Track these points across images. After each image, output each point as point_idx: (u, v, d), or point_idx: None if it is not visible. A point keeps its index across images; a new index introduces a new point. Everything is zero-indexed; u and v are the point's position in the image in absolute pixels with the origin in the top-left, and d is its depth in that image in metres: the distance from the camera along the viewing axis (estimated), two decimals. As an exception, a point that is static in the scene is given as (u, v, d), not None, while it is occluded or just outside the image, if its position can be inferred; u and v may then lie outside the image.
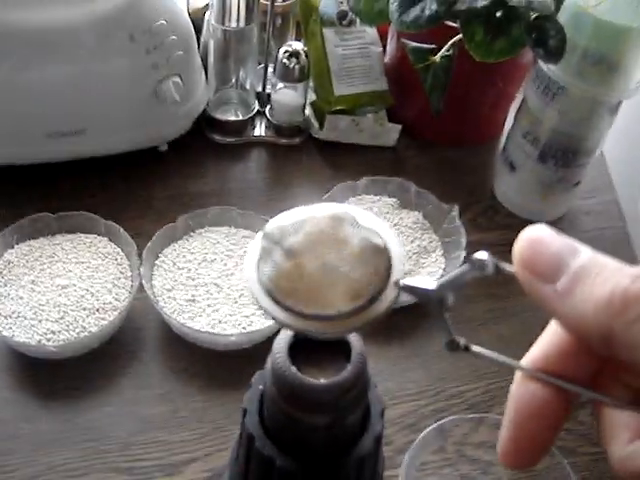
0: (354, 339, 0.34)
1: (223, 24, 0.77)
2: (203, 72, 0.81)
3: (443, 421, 0.60)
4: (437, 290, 0.29)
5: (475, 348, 0.29)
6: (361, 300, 0.28)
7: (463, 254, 0.71)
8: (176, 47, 0.73)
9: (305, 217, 0.29)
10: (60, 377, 0.63)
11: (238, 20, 0.77)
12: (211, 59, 0.81)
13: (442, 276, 0.29)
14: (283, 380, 0.33)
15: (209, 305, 0.66)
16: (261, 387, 0.38)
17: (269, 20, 0.80)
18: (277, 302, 0.28)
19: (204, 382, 0.65)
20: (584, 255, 0.25)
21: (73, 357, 0.63)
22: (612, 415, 0.27)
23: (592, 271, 0.25)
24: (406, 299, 0.29)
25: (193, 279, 0.68)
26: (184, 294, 0.66)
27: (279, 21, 0.85)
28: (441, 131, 0.86)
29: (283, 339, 0.34)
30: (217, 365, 0.66)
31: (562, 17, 0.69)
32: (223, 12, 0.76)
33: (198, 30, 0.80)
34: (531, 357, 0.29)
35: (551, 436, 0.28)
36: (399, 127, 0.85)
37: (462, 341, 0.29)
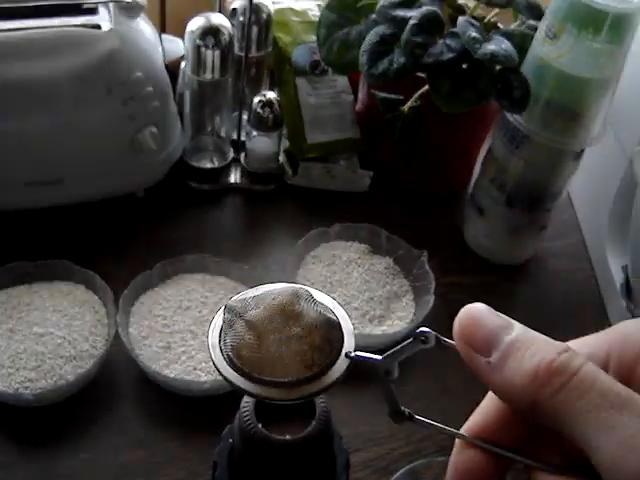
0: (318, 399, 0.36)
1: (198, 75, 0.79)
2: (179, 121, 0.83)
3: (414, 464, 0.61)
4: (384, 362, 0.31)
5: (418, 418, 0.32)
6: (315, 369, 0.30)
7: (432, 298, 0.73)
8: (152, 98, 0.75)
9: (265, 292, 0.31)
10: (37, 424, 0.64)
11: (213, 71, 0.79)
12: (187, 108, 0.83)
13: (392, 351, 0.32)
14: (250, 437, 0.35)
15: (184, 352, 0.67)
16: (231, 441, 0.39)
17: (243, 70, 0.83)
18: (238, 370, 0.30)
19: (180, 428, 0.66)
20: (516, 331, 0.28)
21: (49, 405, 0.64)
22: (545, 478, 0.29)
23: (522, 346, 0.27)
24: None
25: (168, 326, 0.69)
26: (159, 341, 0.68)
27: (253, 71, 0.87)
28: (411, 178, 0.89)
29: (249, 399, 0.36)
30: (192, 411, 0.67)
31: (525, 69, 0.72)
32: (198, 64, 0.78)
33: (174, 80, 0.82)
34: (470, 425, 0.31)
35: None
36: (370, 173, 0.88)
37: (407, 411, 0.32)
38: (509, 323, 0.28)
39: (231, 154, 0.88)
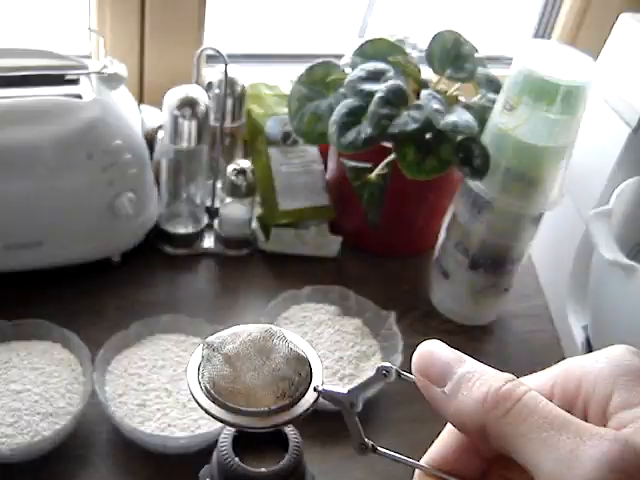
0: (290, 432, 0.38)
1: (175, 144, 0.83)
2: (155, 188, 0.86)
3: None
4: (348, 395, 0.34)
5: (381, 450, 0.34)
6: (286, 400, 0.33)
7: (400, 358, 0.75)
8: (131, 165, 0.78)
9: (241, 330, 0.34)
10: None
11: (189, 141, 0.83)
12: (163, 176, 0.86)
13: (357, 386, 0.35)
14: (228, 470, 0.37)
15: (159, 409, 0.69)
16: (208, 479, 0.41)
17: (218, 140, 0.86)
18: (215, 401, 0.33)
19: (154, 485, 0.67)
20: (468, 364, 0.31)
21: (26, 461, 0.65)
22: None
23: (472, 377, 0.30)
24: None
25: (144, 384, 0.70)
26: (135, 399, 0.69)
27: (228, 140, 0.91)
28: (379, 242, 0.92)
29: (227, 434, 0.38)
30: (167, 468, 0.68)
31: (486, 138, 0.77)
32: (175, 133, 0.82)
33: (151, 148, 0.85)
34: (429, 456, 0.34)
35: None
36: (340, 239, 0.91)
37: (370, 443, 0.35)
38: (462, 357, 0.31)
39: (205, 220, 0.91)
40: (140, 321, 0.74)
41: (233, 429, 0.37)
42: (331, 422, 0.72)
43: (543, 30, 1.11)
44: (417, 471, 0.34)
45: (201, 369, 0.34)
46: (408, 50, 0.87)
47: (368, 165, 0.81)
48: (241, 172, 0.85)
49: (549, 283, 0.93)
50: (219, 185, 0.90)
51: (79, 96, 0.77)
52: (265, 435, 0.38)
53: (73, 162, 0.75)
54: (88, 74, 0.78)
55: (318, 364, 0.35)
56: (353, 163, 0.81)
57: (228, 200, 0.88)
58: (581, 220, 0.84)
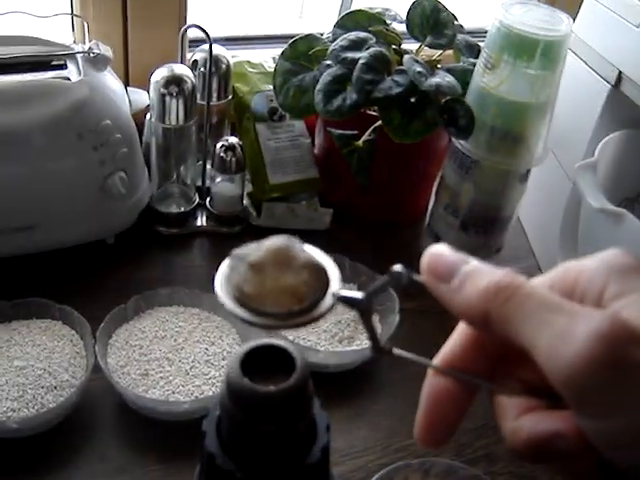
0: (297, 356, 0.39)
1: (163, 122, 0.84)
2: (146, 169, 0.87)
3: (387, 469, 0.64)
4: (364, 299, 0.36)
5: (396, 350, 0.36)
6: (306, 303, 0.36)
7: (397, 318, 0.76)
8: (121, 145, 0.79)
9: (265, 241, 0.37)
10: (19, 455, 0.65)
11: (177, 118, 0.83)
12: (153, 157, 0.87)
13: (371, 289, 0.37)
14: (238, 390, 0.38)
15: (162, 377, 0.69)
16: (217, 413, 0.42)
17: (206, 118, 0.87)
18: (243, 306, 0.36)
19: (160, 453, 0.67)
20: (472, 262, 0.33)
21: (32, 435, 0.65)
22: (504, 400, 0.34)
23: (477, 272, 0.33)
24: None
25: (145, 355, 0.71)
26: (137, 369, 0.70)
27: (215, 119, 0.92)
28: (370, 211, 0.93)
29: (236, 358, 0.39)
30: (172, 436, 0.68)
31: (469, 98, 0.78)
32: (163, 111, 0.83)
33: (140, 131, 0.86)
34: (441, 355, 0.36)
35: (456, 420, 0.35)
36: (331, 211, 0.92)
37: (386, 345, 0.37)
38: (467, 258, 0.34)
39: (196, 199, 0.92)
40: (139, 295, 0.75)
41: (242, 352, 0.39)
42: (333, 384, 0.73)
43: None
44: (429, 370, 0.36)
45: (228, 278, 0.36)
46: (388, 21, 0.88)
47: (355, 132, 0.82)
48: (230, 148, 0.86)
49: (539, 243, 0.94)
50: (209, 165, 0.90)
51: (67, 79, 0.77)
52: (272, 358, 0.39)
53: (63, 143, 0.76)
54: (74, 54, 0.79)
55: (335, 273, 0.37)
56: (340, 131, 0.82)
57: (218, 178, 0.89)
58: (567, 178, 0.85)
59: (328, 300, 0.36)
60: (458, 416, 0.35)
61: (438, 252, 0.34)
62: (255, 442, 0.39)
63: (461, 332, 0.36)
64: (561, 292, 0.32)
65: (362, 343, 0.76)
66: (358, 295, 0.36)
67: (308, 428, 0.41)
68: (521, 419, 0.32)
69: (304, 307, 0.35)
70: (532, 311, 0.30)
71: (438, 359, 0.36)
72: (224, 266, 0.37)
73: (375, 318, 0.79)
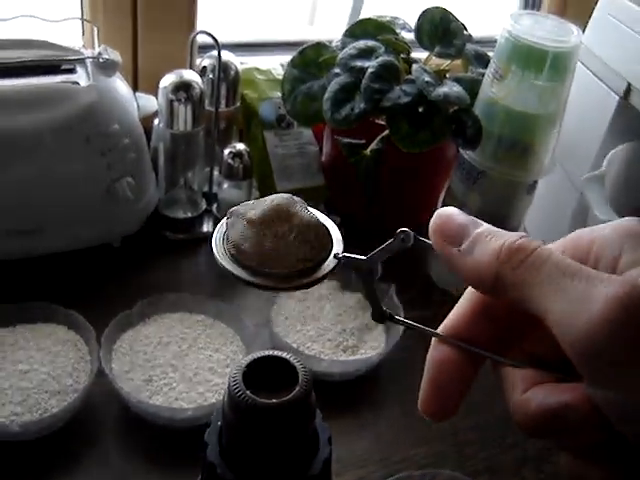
0: (300, 368, 0.39)
1: (171, 128, 0.84)
2: (154, 174, 0.87)
3: (392, 478, 0.64)
4: (367, 260, 0.35)
5: (398, 317, 0.36)
6: (309, 264, 0.34)
7: (402, 327, 0.76)
8: (129, 149, 0.79)
9: (265, 198, 0.35)
10: (22, 458, 0.65)
11: (185, 124, 0.84)
12: (161, 162, 0.88)
13: (375, 251, 0.36)
14: (239, 403, 0.38)
15: (165, 384, 0.69)
16: (219, 423, 0.42)
17: (214, 125, 0.87)
18: (238, 263, 0.34)
19: (162, 459, 0.67)
20: (484, 226, 0.32)
21: (35, 439, 0.66)
22: (510, 372, 0.33)
23: (488, 234, 0.32)
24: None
25: (149, 361, 0.71)
26: (141, 375, 0.70)
27: (223, 125, 0.92)
28: (376, 220, 0.93)
29: (238, 369, 0.39)
30: (174, 442, 0.68)
31: (477, 108, 0.78)
32: (171, 117, 0.83)
33: (148, 136, 0.86)
34: (445, 325, 0.35)
35: (461, 390, 0.34)
36: (337, 219, 0.91)
37: (388, 311, 0.36)
38: (477, 221, 0.33)
39: (203, 205, 0.92)
40: (144, 300, 0.75)
41: (244, 364, 0.38)
42: (336, 393, 0.73)
43: (530, 7, 1.13)
44: (433, 339, 0.35)
45: (225, 235, 0.35)
46: (397, 30, 0.88)
47: (362, 141, 0.82)
48: (237, 155, 0.87)
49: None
50: (216, 171, 0.90)
51: (76, 83, 0.78)
52: (275, 369, 0.39)
53: (71, 147, 0.76)
54: (83, 59, 0.79)
55: (338, 234, 0.36)
56: (347, 140, 0.82)
57: (225, 184, 0.89)
58: (574, 189, 0.85)
59: (330, 262, 0.35)
60: (463, 386, 0.34)
61: (447, 213, 0.33)
62: (256, 454, 0.39)
63: (468, 298, 0.35)
64: (574, 258, 0.31)
65: (366, 352, 0.76)
66: (361, 257, 0.35)
67: (310, 440, 0.41)
68: (529, 392, 0.31)
69: (305, 268, 0.34)
70: (548, 275, 0.29)
71: (442, 327, 0.35)
72: (222, 223, 0.35)
73: (380, 328, 0.79)
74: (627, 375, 0.27)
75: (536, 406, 0.30)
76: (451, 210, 0.33)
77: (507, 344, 0.34)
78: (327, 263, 0.35)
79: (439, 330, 0.35)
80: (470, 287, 0.34)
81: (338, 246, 0.35)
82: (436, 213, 0.33)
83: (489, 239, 0.31)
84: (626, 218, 0.31)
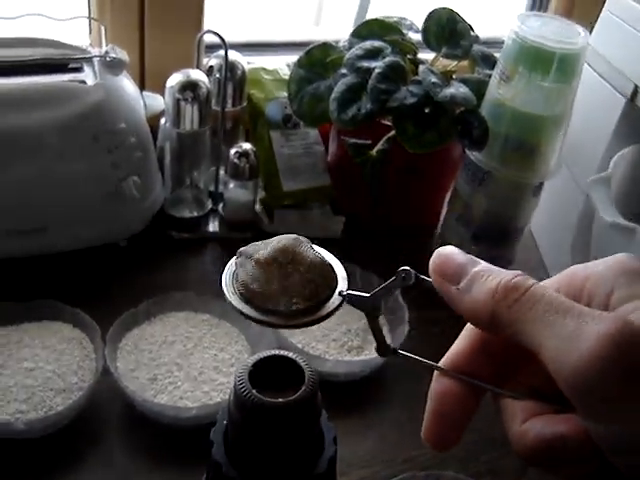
0: (306, 368, 0.39)
1: (178, 127, 0.84)
2: (160, 173, 0.87)
3: (396, 478, 0.64)
4: (371, 297, 0.37)
5: (402, 352, 0.37)
6: (313, 302, 0.36)
7: (407, 328, 0.76)
8: (136, 148, 0.79)
9: (272, 239, 0.37)
10: (26, 456, 0.65)
11: (192, 124, 0.84)
12: (167, 161, 0.88)
13: (378, 289, 0.37)
14: (245, 402, 0.38)
15: (170, 383, 0.69)
16: (225, 422, 0.42)
17: (220, 124, 0.88)
18: (250, 304, 0.36)
19: (167, 458, 0.67)
20: (481, 264, 0.34)
21: (40, 437, 0.66)
22: (510, 404, 0.34)
23: (485, 273, 0.33)
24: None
25: (154, 360, 0.71)
26: (146, 373, 0.70)
27: (229, 125, 0.92)
28: (382, 220, 0.93)
29: (244, 368, 0.39)
30: (179, 441, 0.68)
31: (484, 110, 0.78)
32: (178, 116, 0.83)
33: (154, 136, 0.87)
34: (447, 357, 0.36)
35: (463, 421, 0.35)
36: (343, 219, 0.92)
37: (392, 346, 0.37)
38: (476, 260, 0.34)
39: (209, 205, 0.92)
40: (149, 299, 0.75)
41: (250, 363, 0.38)
42: (341, 394, 0.73)
43: (537, 8, 1.12)
44: (435, 372, 0.36)
45: (234, 275, 0.36)
46: (404, 31, 0.88)
47: (368, 142, 0.82)
48: (243, 154, 0.87)
49: (551, 256, 0.94)
50: (222, 171, 0.91)
51: (83, 82, 0.78)
52: (281, 369, 0.39)
53: (78, 146, 0.76)
54: (91, 58, 0.79)
55: (342, 272, 0.38)
56: (354, 140, 0.83)
57: (231, 183, 0.89)
58: (580, 191, 0.85)
59: (335, 299, 0.36)
60: (465, 418, 0.35)
61: (446, 252, 0.35)
62: (262, 453, 0.39)
63: (467, 334, 0.36)
64: (568, 295, 0.32)
65: (371, 353, 0.76)
66: (365, 294, 0.37)
67: (315, 440, 0.41)
68: (527, 423, 0.32)
69: (311, 306, 0.35)
70: (541, 312, 0.30)
71: (444, 361, 0.36)
72: (231, 263, 0.37)
73: (385, 328, 0.79)
74: (619, 410, 0.28)
75: (534, 437, 0.31)
76: (450, 249, 0.35)
77: (506, 377, 0.35)
78: (332, 301, 0.36)
79: (441, 363, 0.36)
80: (469, 324, 0.35)
81: (343, 284, 0.37)
82: (436, 252, 0.35)
83: (485, 278, 0.32)
84: (620, 254, 0.32)
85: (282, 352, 0.40)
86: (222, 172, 0.91)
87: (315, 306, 0.36)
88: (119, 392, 0.69)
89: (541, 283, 0.33)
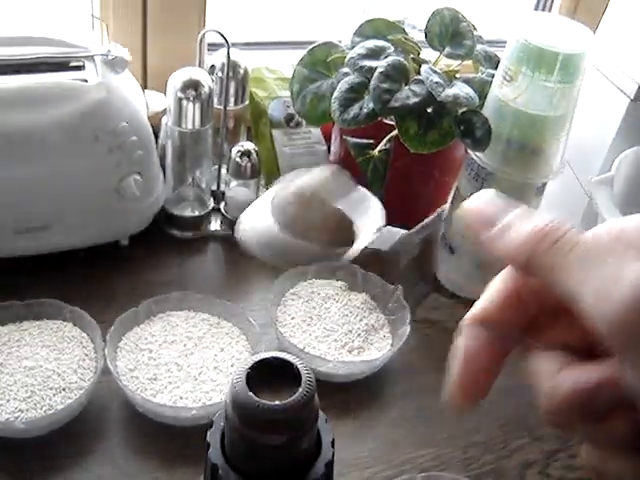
0: (303, 369, 0.39)
1: (180, 126, 0.84)
2: (161, 171, 0.87)
3: (399, 479, 0.64)
4: (407, 235, 0.34)
5: None
6: (348, 236, 0.34)
7: (408, 328, 0.76)
8: (137, 147, 0.79)
9: (314, 169, 0.35)
10: (26, 456, 0.65)
11: (193, 122, 0.84)
12: (169, 159, 0.87)
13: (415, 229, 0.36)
14: (242, 404, 0.38)
15: (170, 382, 0.69)
16: (222, 424, 0.42)
17: (222, 123, 0.87)
18: (286, 229, 0.34)
19: (166, 458, 0.67)
20: (517, 210, 0.33)
21: (39, 436, 0.66)
22: (541, 358, 0.33)
23: (522, 217, 0.32)
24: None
25: (155, 359, 0.71)
26: (146, 373, 0.70)
27: (231, 124, 0.92)
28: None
29: (242, 370, 0.39)
30: (178, 441, 0.68)
31: (486, 110, 0.77)
32: (179, 115, 0.83)
33: (156, 134, 0.86)
34: (478, 306, 0.35)
35: (491, 377, 0.34)
36: (345, 218, 0.92)
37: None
38: (512, 204, 0.33)
39: (211, 203, 0.92)
40: (150, 299, 0.75)
41: (248, 365, 0.38)
42: (341, 394, 0.73)
43: (542, 8, 1.12)
44: (463, 324, 0.35)
45: (273, 203, 0.35)
46: (407, 30, 0.88)
47: (370, 141, 0.82)
48: (245, 154, 0.86)
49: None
50: (224, 169, 0.90)
51: (85, 80, 0.78)
52: (279, 371, 0.39)
53: (79, 144, 0.76)
54: (92, 57, 0.79)
55: (380, 209, 0.36)
56: (356, 140, 0.82)
57: (233, 182, 0.89)
58: (583, 192, 0.85)
59: (368, 237, 0.35)
60: (493, 372, 0.34)
61: (483, 196, 0.34)
62: (259, 455, 0.39)
63: (499, 284, 0.35)
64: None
65: (372, 353, 0.76)
66: (401, 231, 0.36)
67: (313, 442, 0.41)
68: (560, 374, 0.31)
69: (347, 238, 0.35)
70: (579, 257, 0.29)
71: (474, 309, 0.35)
72: (270, 191, 0.36)
73: (386, 329, 0.79)
74: None
75: (569, 386, 0.30)
76: (488, 192, 0.34)
77: (535, 330, 0.34)
78: (367, 235, 0.35)
79: (470, 314, 0.35)
80: (502, 273, 0.35)
81: (379, 220, 0.36)
82: (473, 196, 0.34)
83: (522, 222, 0.32)
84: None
85: (279, 354, 0.40)
86: (224, 171, 0.91)
87: (351, 239, 0.35)
88: (119, 392, 0.69)
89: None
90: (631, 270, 0.28)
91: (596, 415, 0.30)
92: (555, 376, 0.31)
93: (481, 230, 0.33)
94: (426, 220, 0.36)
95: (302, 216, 0.34)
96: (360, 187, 0.37)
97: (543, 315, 0.34)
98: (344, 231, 0.35)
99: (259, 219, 0.36)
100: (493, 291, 0.35)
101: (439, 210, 0.35)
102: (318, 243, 0.34)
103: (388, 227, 0.36)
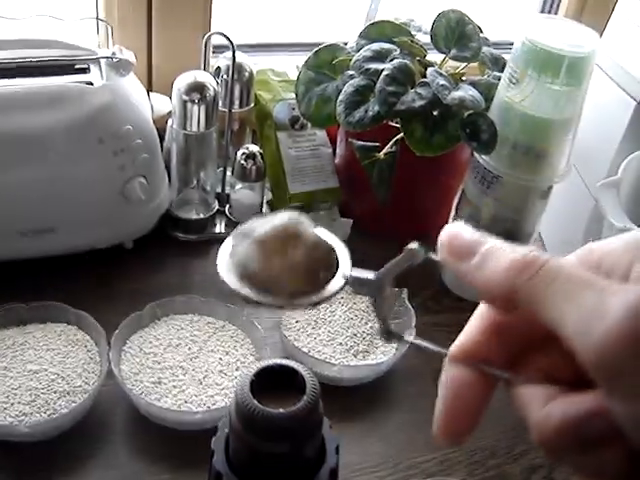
0: (307, 377, 0.39)
1: (185, 129, 0.84)
2: (166, 174, 0.86)
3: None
4: (376, 279, 0.35)
5: (408, 337, 0.35)
6: (315, 283, 0.34)
7: (414, 332, 0.75)
8: (142, 150, 0.79)
9: (271, 218, 0.35)
10: (30, 459, 0.65)
11: (198, 125, 0.83)
12: (174, 162, 0.87)
13: (384, 269, 0.35)
14: (247, 412, 0.38)
15: (175, 386, 0.69)
16: (226, 431, 0.42)
17: (227, 126, 0.87)
18: (246, 284, 0.34)
19: (170, 462, 0.67)
20: (493, 241, 0.32)
21: (43, 440, 0.65)
22: (527, 391, 0.32)
23: (498, 249, 0.32)
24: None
25: (159, 363, 0.71)
26: (150, 377, 0.70)
27: (236, 126, 0.92)
28: (390, 223, 0.92)
29: (245, 379, 0.38)
30: (182, 446, 0.68)
31: (492, 113, 0.77)
32: (184, 118, 0.83)
33: (161, 137, 0.86)
34: (458, 343, 0.34)
35: (477, 413, 0.33)
36: (350, 221, 0.91)
37: (396, 331, 0.35)
38: (486, 237, 0.33)
39: (216, 206, 0.91)
40: (154, 302, 0.75)
41: (253, 373, 0.38)
42: (347, 398, 0.73)
43: (548, 11, 1.12)
44: (446, 361, 0.34)
45: (231, 255, 0.35)
46: (413, 32, 0.88)
47: (376, 144, 0.82)
48: (250, 156, 0.86)
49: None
50: (229, 172, 0.90)
51: (90, 83, 0.78)
52: (283, 378, 0.39)
53: (84, 147, 0.76)
54: (97, 59, 0.79)
55: (345, 254, 0.36)
56: (361, 142, 0.82)
57: (238, 185, 0.89)
58: (589, 195, 0.84)
59: (337, 282, 0.34)
60: (479, 408, 0.34)
61: (456, 230, 0.33)
62: (263, 462, 0.39)
63: (478, 319, 0.35)
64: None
65: (377, 358, 0.75)
66: (370, 275, 0.35)
67: (317, 449, 0.41)
68: (548, 406, 0.31)
69: (312, 287, 0.34)
70: (561, 286, 0.29)
71: (454, 347, 0.34)
72: (228, 242, 0.35)
73: (391, 331, 0.78)
74: None
75: (558, 418, 0.30)
76: (459, 226, 0.33)
77: (519, 363, 0.34)
78: (334, 282, 0.34)
79: (451, 350, 0.34)
80: (480, 307, 0.34)
81: (345, 265, 0.35)
82: (445, 229, 0.33)
83: (500, 253, 0.31)
84: (634, 231, 0.31)
85: (284, 361, 0.40)
86: (229, 174, 0.91)
87: (317, 287, 0.34)
88: (123, 395, 0.69)
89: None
90: (611, 304, 0.27)
91: (587, 445, 0.29)
92: (544, 408, 0.31)
93: (459, 261, 0.32)
94: (393, 260, 0.35)
95: (264, 269, 0.33)
96: (321, 228, 0.36)
97: (523, 349, 0.34)
98: (313, 274, 0.33)
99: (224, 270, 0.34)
100: (471, 327, 0.35)
101: (406, 247, 0.34)
102: (282, 296, 0.33)
103: (354, 270, 0.35)
